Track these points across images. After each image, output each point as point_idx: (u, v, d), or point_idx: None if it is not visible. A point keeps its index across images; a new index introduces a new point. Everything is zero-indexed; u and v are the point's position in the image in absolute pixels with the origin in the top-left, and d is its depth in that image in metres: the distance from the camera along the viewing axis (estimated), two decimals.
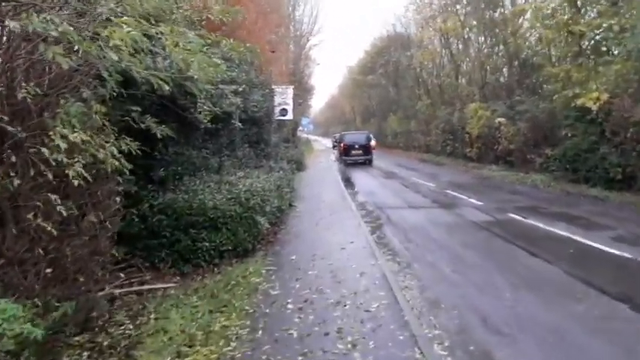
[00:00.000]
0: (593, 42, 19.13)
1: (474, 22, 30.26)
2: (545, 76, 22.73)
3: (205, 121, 7.66)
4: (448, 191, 14.87)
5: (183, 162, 8.42)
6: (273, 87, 16.92)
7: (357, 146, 29.00)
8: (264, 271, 6.79)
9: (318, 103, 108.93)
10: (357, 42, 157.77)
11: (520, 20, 26.35)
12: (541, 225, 9.35)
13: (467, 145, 26.60)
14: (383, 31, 52.80)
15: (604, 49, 18.71)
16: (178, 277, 7.27)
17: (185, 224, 7.36)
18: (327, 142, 63.28)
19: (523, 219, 10.11)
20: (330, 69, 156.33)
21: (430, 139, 35.06)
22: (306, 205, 12.96)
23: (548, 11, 19.45)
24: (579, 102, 14.52)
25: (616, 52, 18.13)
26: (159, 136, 6.09)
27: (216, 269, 7.30)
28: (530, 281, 6.09)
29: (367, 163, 28.11)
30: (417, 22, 41.85)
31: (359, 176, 21.71)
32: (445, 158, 29.16)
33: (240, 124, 11.98)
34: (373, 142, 30.06)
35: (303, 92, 51.31)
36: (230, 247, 7.68)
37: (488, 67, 28.51)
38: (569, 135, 15.28)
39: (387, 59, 51.35)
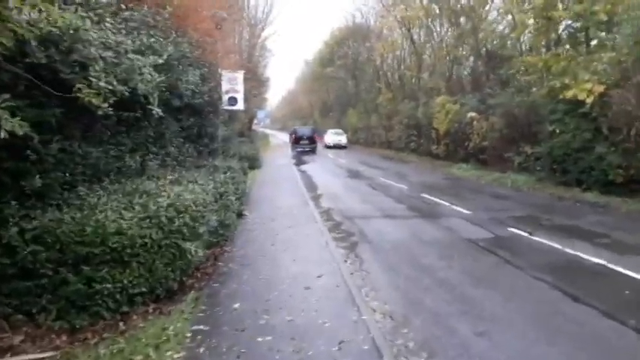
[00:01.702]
0: (570, 30, 17.77)
1: (437, 11, 28.69)
2: (518, 67, 21.38)
3: (104, 105, 5.12)
4: (424, 195, 12.86)
5: (75, 164, 5.84)
6: (220, 71, 14.36)
7: (305, 137, 36.98)
8: (188, 337, 4.39)
9: (275, 97, 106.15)
10: (316, 35, 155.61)
11: (487, 8, 24.95)
12: (557, 246, 7.42)
13: (433, 142, 24.94)
14: (342, 21, 50.88)
15: (581, 38, 17.43)
16: (65, 337, 4.82)
17: (75, 258, 4.87)
18: (285, 137, 60.79)
19: (529, 235, 8.18)
20: (288, 63, 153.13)
21: (392, 135, 33.33)
22: (259, 213, 10.58)
23: None
24: (569, 94, 12.88)
25: (595, 42, 16.87)
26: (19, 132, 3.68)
27: (122, 323, 4.89)
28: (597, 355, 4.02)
29: (312, 150, 35.54)
30: (377, 12, 40.13)
31: (320, 175, 19.45)
32: (410, 155, 27.45)
33: (172, 113, 9.47)
34: (316, 135, 38.36)
35: (258, 84, 48.70)
36: (144, 289, 5.26)
37: (453, 59, 26.96)
38: (557, 131, 13.63)
39: (346, 51, 49.47)
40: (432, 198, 12.30)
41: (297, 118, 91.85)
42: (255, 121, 52.33)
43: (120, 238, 5.00)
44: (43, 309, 4.93)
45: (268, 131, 71.53)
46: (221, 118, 21.03)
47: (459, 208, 10.74)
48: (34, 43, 4.51)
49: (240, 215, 10.06)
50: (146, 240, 5.20)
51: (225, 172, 10.69)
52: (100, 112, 5.14)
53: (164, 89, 7.63)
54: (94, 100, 4.97)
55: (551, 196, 12.46)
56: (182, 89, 8.34)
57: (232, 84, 14.66)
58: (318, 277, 5.95)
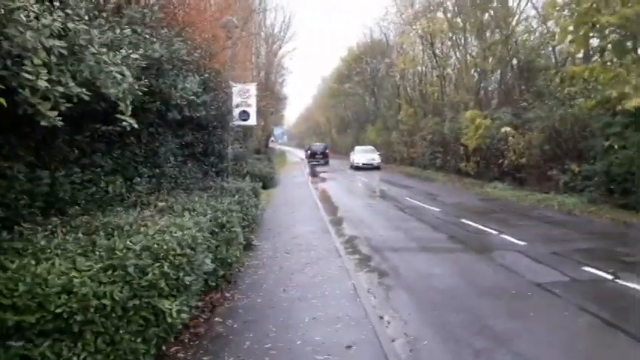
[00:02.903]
0: (616, 36, 15.99)
1: (461, 24, 27.17)
2: (552, 77, 19.64)
3: (52, 114, 3.62)
4: (464, 220, 11.10)
5: (20, 192, 4.36)
6: (230, 83, 12.97)
7: (318, 153, 43.29)
8: None
9: (292, 114, 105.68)
10: (333, 52, 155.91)
11: (517, 17, 23.31)
12: None
13: (461, 159, 23.13)
14: (360, 37, 49.77)
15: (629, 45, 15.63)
16: None
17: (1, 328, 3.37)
18: (302, 154, 59.67)
19: (614, 279, 6.39)
20: (305, 80, 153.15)
21: (415, 152, 31.59)
22: (272, 243, 9.00)
23: None
24: (630, 104, 11.09)
25: None
26: None
27: None
28: None
29: (326, 163, 41.11)
30: (396, 27, 38.82)
31: (341, 195, 17.83)
32: (435, 173, 25.63)
33: (169, 127, 8.09)
34: (328, 151, 44.10)
35: (276, 101, 47.73)
36: None
37: (481, 71, 25.27)
38: (615, 147, 11.79)
39: (364, 67, 48.26)
40: (474, 224, 10.52)
41: (314, 135, 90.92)
42: (272, 139, 51.24)
43: (69, 299, 3.47)
44: None
45: (285, 148, 70.42)
46: (236, 134, 19.76)
47: (510, 238, 8.96)
48: None
49: (248, 246, 8.50)
50: (105, 301, 3.66)
51: (233, 196, 9.17)
52: (44, 123, 3.62)
53: (149, 97, 6.19)
54: (40, 107, 3.50)
55: (615, 222, 10.57)
56: (176, 98, 6.86)
57: (244, 97, 13.22)
58: (348, 347, 4.29)
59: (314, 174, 30.93)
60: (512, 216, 11.90)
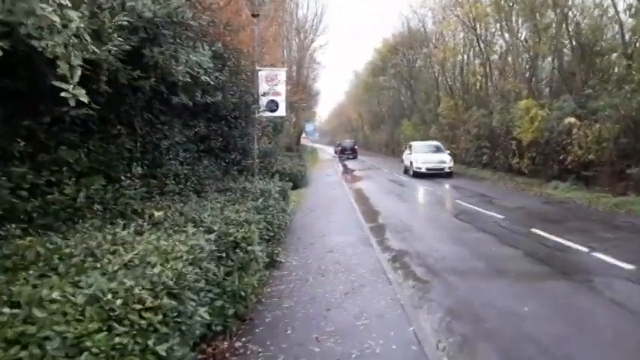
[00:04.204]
0: None
1: (509, 4, 24.66)
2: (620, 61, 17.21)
3: None
4: (536, 231, 9.06)
5: None
6: (257, 68, 11.32)
7: (348, 149, 46.75)
8: None
9: (324, 110, 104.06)
10: (366, 46, 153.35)
11: None
12: None
13: (513, 155, 20.78)
14: (395, 27, 47.48)
15: None
16: None
17: None
18: (333, 151, 58.20)
19: None
20: (337, 75, 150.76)
21: (457, 147, 29.25)
22: (301, 259, 7.29)
23: None
24: None
25: None
26: None
27: None
28: None
29: (354, 157, 44.06)
30: (435, 13, 36.40)
31: (380, 197, 15.98)
32: (481, 171, 23.36)
33: (175, 115, 6.56)
34: (357, 147, 47.90)
35: (308, 97, 46.19)
36: None
37: (535, 57, 22.78)
38: None
39: (400, 58, 45.95)
40: (551, 236, 8.48)
41: (345, 132, 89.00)
42: (304, 135, 49.67)
43: None
44: None
45: (317, 145, 68.84)
46: (264, 129, 18.18)
47: (607, 258, 6.92)
48: None
49: (272, 264, 6.81)
50: None
51: (256, 199, 7.51)
52: None
53: (140, 71, 4.58)
54: None
55: None
56: (178, 74, 5.20)
57: (272, 84, 11.57)
58: None
59: (348, 172, 29.25)
60: (594, 225, 9.77)
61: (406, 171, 24.50)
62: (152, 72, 5.08)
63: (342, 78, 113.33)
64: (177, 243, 3.65)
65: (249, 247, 4.97)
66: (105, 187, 4.78)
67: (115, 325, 2.45)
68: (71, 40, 2.74)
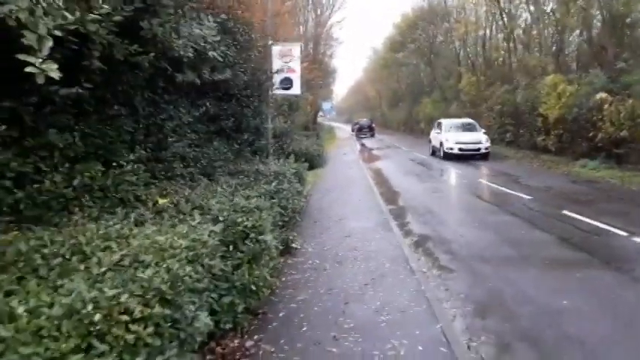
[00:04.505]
0: None
1: None
2: None
3: None
4: (567, 212, 8.49)
5: None
6: (270, 42, 10.80)
7: (365, 127, 46.66)
8: None
9: (341, 88, 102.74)
10: (385, 22, 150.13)
11: None
12: None
13: (539, 133, 19.93)
14: (415, 1, 45.92)
15: None
16: None
17: None
18: (350, 129, 57.62)
19: None
20: (355, 52, 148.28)
21: (480, 125, 28.33)
22: (318, 244, 6.92)
23: None
24: None
25: None
26: None
27: None
28: None
29: (372, 135, 44.34)
30: None
31: (399, 177, 15.47)
32: (505, 149, 22.55)
33: (182, 93, 6.22)
34: (373, 125, 47.73)
35: (324, 74, 45.37)
36: None
37: (561, 29, 21.65)
38: None
39: (420, 34, 44.54)
40: (585, 219, 7.91)
41: (363, 110, 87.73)
42: (321, 114, 49.03)
43: None
44: None
45: (334, 124, 68.00)
46: (279, 108, 17.68)
47: None
48: None
49: (287, 251, 6.45)
50: None
51: (269, 183, 7.12)
52: None
53: (138, 45, 4.17)
54: None
55: None
56: (180, 48, 4.76)
57: (286, 60, 11.05)
58: None
59: (365, 151, 28.70)
60: (630, 206, 9.16)
61: (434, 152, 21.93)
62: (151, 47, 4.65)
63: (360, 55, 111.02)
64: (176, 237, 3.26)
65: (261, 237, 4.58)
66: (104, 173, 4.42)
67: (96, 342, 2.08)
68: (39, 5, 2.30)
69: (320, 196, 11.42)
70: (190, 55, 4.94)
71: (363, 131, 46.01)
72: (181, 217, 4.44)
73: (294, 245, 6.66)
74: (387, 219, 8.64)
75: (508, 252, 6.43)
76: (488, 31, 32.67)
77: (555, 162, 17.00)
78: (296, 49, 11.19)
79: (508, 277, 5.45)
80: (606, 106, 15.04)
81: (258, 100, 9.63)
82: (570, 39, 22.92)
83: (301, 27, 40.57)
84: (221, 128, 8.10)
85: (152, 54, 4.48)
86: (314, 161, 17.23)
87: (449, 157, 19.63)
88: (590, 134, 15.96)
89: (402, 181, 14.16)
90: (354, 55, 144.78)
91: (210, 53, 5.89)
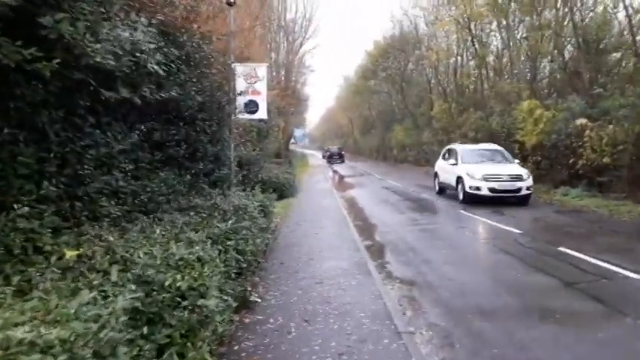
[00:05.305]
0: None
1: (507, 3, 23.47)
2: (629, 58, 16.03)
3: None
4: (563, 249, 7.62)
5: None
6: (232, 63, 9.78)
7: (335, 154, 50.15)
8: None
9: (313, 116, 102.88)
10: (356, 51, 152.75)
11: None
12: None
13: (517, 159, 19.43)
14: (387, 30, 46.16)
15: None
16: None
17: None
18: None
19: None
20: (327, 80, 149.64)
21: None
22: (282, 295, 5.77)
23: None
24: None
25: None
26: None
27: None
28: None
29: (341, 162, 47.48)
30: (428, 14, 35.21)
31: (374, 207, 14.49)
32: None
33: (113, 113, 5.12)
34: (343, 152, 51.37)
35: (297, 101, 44.79)
36: None
37: (536, 56, 21.57)
38: None
39: (392, 61, 44.70)
40: (587, 258, 7.01)
41: (336, 137, 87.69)
42: (293, 141, 48.25)
43: None
44: None
45: (307, 151, 67.36)
46: (248, 134, 16.58)
47: None
48: None
49: (243, 305, 5.26)
50: None
51: (227, 220, 5.98)
52: None
53: (36, 48, 3.06)
54: None
55: None
56: (97, 53, 3.65)
57: (250, 81, 10.06)
58: None
59: (338, 179, 27.84)
60: (630, 240, 8.39)
61: (442, 190, 16.62)
62: (60, 52, 3.54)
63: (332, 83, 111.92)
64: (50, 326, 2.10)
65: (201, 301, 3.43)
66: None
67: None
68: None
69: (289, 230, 10.30)
70: (112, 63, 3.83)
71: (333, 158, 49.30)
72: (93, 276, 3.28)
73: (252, 298, 5.48)
74: (363, 258, 7.57)
75: (509, 302, 5.41)
76: (459, 59, 32.80)
77: (535, 190, 16.37)
78: (261, 70, 10.20)
79: (516, 338, 4.41)
80: (587, 132, 14.59)
81: (217, 125, 8.53)
82: (542, 65, 22.92)
83: (273, 54, 40.09)
84: (170, 156, 6.94)
85: (56, 60, 3.36)
86: (285, 191, 16.18)
87: (473, 199, 13.70)
88: (570, 161, 15.48)
89: (376, 213, 13.16)
90: (327, 83, 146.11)
91: (150, 66, 4.82)
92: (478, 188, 13.63)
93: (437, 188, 17.12)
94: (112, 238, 4.20)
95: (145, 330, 2.90)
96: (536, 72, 21.28)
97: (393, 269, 7.12)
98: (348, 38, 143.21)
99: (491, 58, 28.03)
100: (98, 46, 3.67)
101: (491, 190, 13.46)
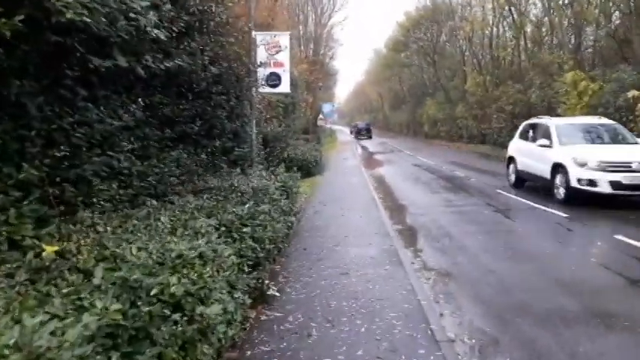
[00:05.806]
0: None
1: None
2: None
3: None
4: (620, 237, 6.75)
5: None
6: (250, 27, 9.07)
7: (363, 129, 50.76)
8: None
9: (342, 91, 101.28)
10: (387, 23, 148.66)
11: None
12: None
13: None
14: (419, 1, 44.15)
15: None
16: None
17: None
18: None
19: None
20: (357, 54, 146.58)
21: (488, 127, 26.62)
22: (304, 288, 5.21)
23: None
24: None
25: None
26: None
27: None
28: None
29: (369, 137, 48.01)
30: None
31: (405, 186, 13.76)
32: None
33: (108, 85, 4.51)
34: (371, 127, 52.13)
35: (325, 76, 43.79)
36: None
37: (581, 23, 19.94)
38: None
39: (424, 33, 42.93)
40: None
41: (365, 112, 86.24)
42: (321, 116, 47.48)
43: None
44: None
45: (336, 127, 66.44)
46: (274, 110, 15.98)
47: None
48: None
49: (260, 299, 4.71)
50: None
51: (244, 203, 5.41)
52: None
53: None
54: None
55: None
56: (67, 8, 3.03)
57: (272, 52, 9.35)
58: None
59: (367, 156, 27.06)
60: None
61: (520, 182, 12.15)
62: (25, 8, 2.94)
63: (361, 58, 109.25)
64: None
65: (200, 309, 2.86)
66: None
67: None
68: None
69: (314, 211, 9.72)
70: (108, 28, 3.21)
71: (361, 133, 49.51)
72: (73, 278, 2.75)
73: (270, 292, 4.92)
74: (393, 245, 6.91)
75: (565, 303, 4.65)
76: (495, 29, 31.02)
77: None
78: (284, 39, 9.47)
79: (580, 351, 3.70)
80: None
81: (236, 99, 7.92)
82: (588, 33, 21.26)
83: (300, 26, 39.10)
84: (183, 133, 6.38)
85: (19, 17, 2.76)
86: (311, 168, 15.60)
87: (582, 198, 9.38)
88: None
89: (408, 193, 12.42)
90: (356, 57, 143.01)
91: (150, 30, 4.21)
92: (592, 182, 9.15)
93: (512, 178, 12.51)
94: (103, 229, 3.69)
95: (127, 349, 2.34)
96: (580, 40, 19.69)
97: (426, 258, 6.44)
98: (379, 9, 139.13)
99: (529, 28, 26.30)
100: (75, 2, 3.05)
101: (614, 185, 8.95)
